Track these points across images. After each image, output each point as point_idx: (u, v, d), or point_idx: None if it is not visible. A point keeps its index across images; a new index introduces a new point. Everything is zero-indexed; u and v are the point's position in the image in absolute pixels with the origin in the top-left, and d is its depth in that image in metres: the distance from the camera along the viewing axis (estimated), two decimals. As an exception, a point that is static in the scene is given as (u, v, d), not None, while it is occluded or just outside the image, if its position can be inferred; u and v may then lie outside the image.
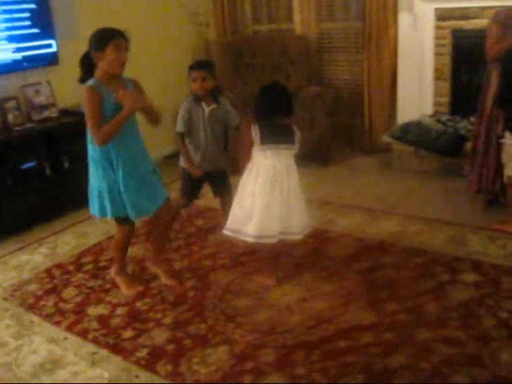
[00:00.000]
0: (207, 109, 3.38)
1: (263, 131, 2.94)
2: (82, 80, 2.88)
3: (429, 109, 4.90)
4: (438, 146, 4.48)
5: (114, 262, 3.32)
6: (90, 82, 2.80)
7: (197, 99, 3.38)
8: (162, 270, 3.32)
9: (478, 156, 3.78)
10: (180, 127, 3.41)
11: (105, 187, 2.93)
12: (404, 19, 4.83)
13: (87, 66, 2.84)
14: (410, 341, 2.55)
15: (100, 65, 2.80)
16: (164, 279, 3.28)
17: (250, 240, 2.98)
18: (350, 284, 3.07)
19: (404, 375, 2.34)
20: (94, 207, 3.04)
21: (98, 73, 2.82)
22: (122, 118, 2.80)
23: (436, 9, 4.64)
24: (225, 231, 3.09)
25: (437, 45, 4.75)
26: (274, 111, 2.95)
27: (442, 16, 4.64)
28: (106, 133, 2.79)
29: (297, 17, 5.47)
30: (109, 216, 3.01)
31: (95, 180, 2.98)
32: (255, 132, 2.94)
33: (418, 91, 4.92)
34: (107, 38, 2.75)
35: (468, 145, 4.20)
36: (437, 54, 4.78)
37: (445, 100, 4.85)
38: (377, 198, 4.25)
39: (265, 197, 2.94)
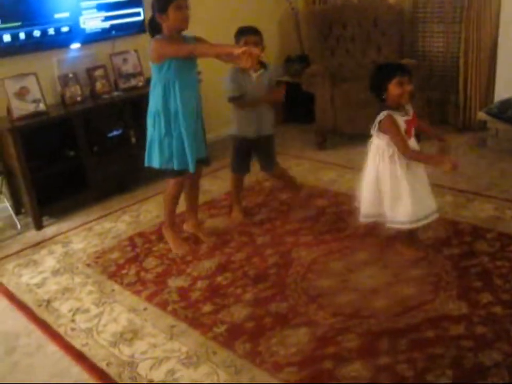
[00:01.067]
0: (254, 75, 3.33)
1: None
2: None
3: (531, 86, 4.54)
4: (539, 125, 4.15)
5: (164, 215, 3.40)
6: (158, 36, 3.02)
7: None
8: (200, 230, 3.52)
9: None
10: (235, 92, 3.33)
11: (156, 137, 3.09)
12: (509, -14, 4.48)
13: (154, 28, 3.06)
14: (506, 337, 2.35)
15: (164, 25, 2.99)
16: (203, 238, 3.46)
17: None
18: (440, 270, 2.89)
19: (497, 373, 2.16)
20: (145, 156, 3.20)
21: (164, 31, 3.02)
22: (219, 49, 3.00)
23: (547, -25, 4.26)
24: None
25: (545, 15, 4.38)
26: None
27: (553, -17, 4.26)
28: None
29: (391, -15, 5.20)
30: (156, 165, 3.13)
31: (149, 131, 3.12)
32: None
33: (520, 65, 4.57)
34: (167, 1, 2.93)
35: None
36: (545, 26, 4.40)
37: (550, 75, 4.48)
38: (471, 179, 3.98)
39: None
